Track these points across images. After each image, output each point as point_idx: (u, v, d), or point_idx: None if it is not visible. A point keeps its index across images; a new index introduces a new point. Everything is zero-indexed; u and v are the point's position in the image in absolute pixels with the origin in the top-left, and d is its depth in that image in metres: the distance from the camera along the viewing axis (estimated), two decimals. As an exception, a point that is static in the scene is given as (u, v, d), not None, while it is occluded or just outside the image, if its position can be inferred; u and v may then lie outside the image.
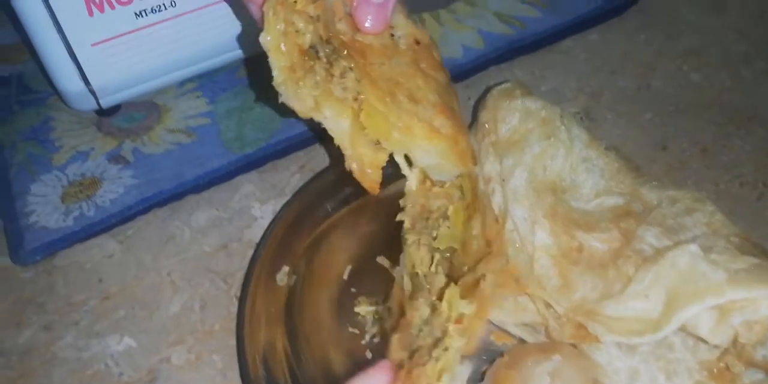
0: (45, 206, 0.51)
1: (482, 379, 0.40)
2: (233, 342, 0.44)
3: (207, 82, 0.60)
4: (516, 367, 0.37)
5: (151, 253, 0.50)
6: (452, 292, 0.33)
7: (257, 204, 0.53)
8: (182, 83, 0.60)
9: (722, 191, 0.52)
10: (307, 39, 0.36)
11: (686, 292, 0.35)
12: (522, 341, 0.42)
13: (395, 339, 0.35)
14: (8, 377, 0.43)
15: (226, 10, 0.52)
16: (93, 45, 0.49)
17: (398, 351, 0.34)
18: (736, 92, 0.60)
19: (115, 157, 0.54)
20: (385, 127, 0.34)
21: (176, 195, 0.52)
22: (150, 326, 0.46)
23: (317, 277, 0.46)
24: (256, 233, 0.50)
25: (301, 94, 0.36)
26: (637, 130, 0.57)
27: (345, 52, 0.35)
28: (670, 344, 0.37)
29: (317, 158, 0.56)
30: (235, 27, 0.54)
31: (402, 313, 0.35)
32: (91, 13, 0.48)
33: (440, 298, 0.33)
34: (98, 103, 0.53)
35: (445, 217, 0.37)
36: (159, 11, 0.50)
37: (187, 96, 0.59)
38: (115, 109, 0.58)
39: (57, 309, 0.47)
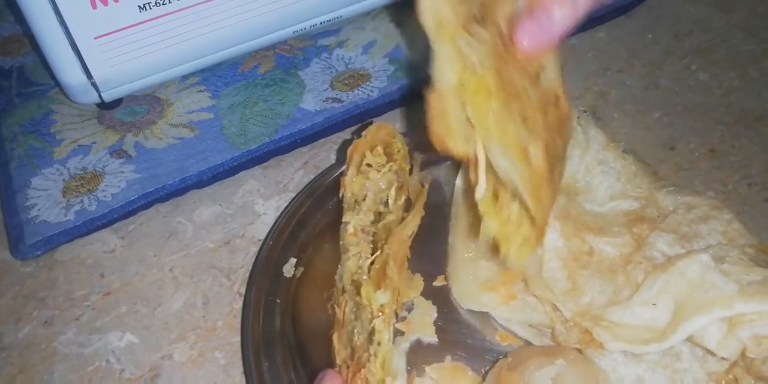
0: (46, 200, 0.51)
1: (484, 380, 0.40)
2: (236, 339, 0.44)
3: (210, 76, 0.60)
4: (518, 369, 0.37)
5: (153, 248, 0.49)
6: (366, 287, 0.34)
7: (261, 200, 0.52)
8: (185, 77, 0.59)
9: (730, 192, 0.51)
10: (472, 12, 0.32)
11: (695, 303, 0.35)
12: (527, 343, 0.41)
13: (335, 337, 0.37)
14: (9, 373, 0.43)
15: (231, 3, 0.52)
16: (96, 38, 0.49)
17: (341, 349, 0.36)
18: (744, 92, 0.60)
19: (117, 151, 0.54)
20: (485, 107, 0.31)
21: (179, 190, 0.52)
22: (152, 322, 0.45)
23: (323, 269, 0.45)
24: (260, 229, 0.50)
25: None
26: (645, 130, 0.57)
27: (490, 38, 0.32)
28: (678, 353, 0.37)
29: (321, 154, 0.55)
30: (239, 21, 0.53)
31: (335, 312, 0.37)
32: (94, 6, 0.47)
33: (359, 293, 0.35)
34: (100, 97, 0.53)
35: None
36: (163, 5, 0.49)
37: (189, 90, 0.59)
38: (117, 103, 0.57)
39: (58, 304, 0.46)
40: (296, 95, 0.58)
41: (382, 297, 0.35)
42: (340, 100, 0.57)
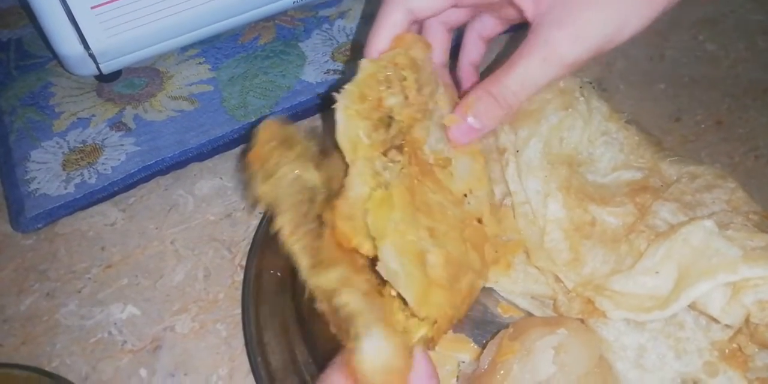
0: (46, 173, 0.50)
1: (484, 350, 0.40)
2: (238, 311, 0.44)
3: (209, 48, 0.59)
4: (520, 338, 0.37)
5: (154, 221, 0.49)
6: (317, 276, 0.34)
7: (261, 173, 0.52)
8: (184, 49, 0.59)
9: (737, 164, 0.51)
10: (390, 108, 0.37)
11: (698, 269, 0.34)
12: (529, 315, 0.41)
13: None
14: (12, 343, 0.43)
15: (230, -28, 0.51)
16: (93, 8, 0.48)
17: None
18: (752, 63, 0.59)
19: (117, 124, 0.53)
20: (385, 217, 0.34)
21: (179, 163, 0.51)
22: (154, 295, 0.45)
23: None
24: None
25: (352, 125, 0.36)
26: (650, 101, 0.56)
27: (405, 150, 0.37)
28: (681, 322, 0.36)
29: (322, 127, 0.55)
30: (238, -10, 0.52)
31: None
32: (90, -26, 0.46)
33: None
34: (98, 68, 0.52)
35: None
36: (160, -27, 0.49)
37: (189, 62, 0.58)
38: (115, 75, 0.56)
39: (59, 277, 0.46)
40: (297, 67, 0.57)
41: (334, 274, 0.35)
42: (341, 72, 0.56)
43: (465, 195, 0.39)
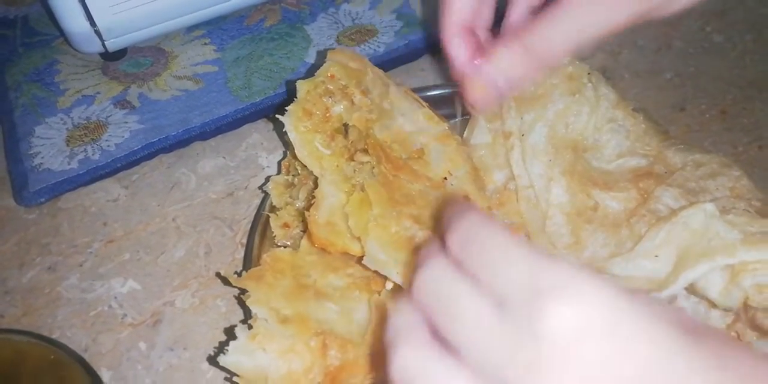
0: (50, 148, 0.50)
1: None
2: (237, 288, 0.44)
3: (215, 29, 0.59)
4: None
5: (157, 198, 0.49)
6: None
7: (264, 153, 0.52)
8: (190, 30, 0.59)
9: (740, 154, 0.51)
10: (339, 115, 0.40)
11: (697, 251, 0.35)
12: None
13: None
14: (13, 315, 0.43)
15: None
16: (100, -17, 0.48)
17: None
18: (758, 55, 0.58)
19: (121, 102, 0.54)
20: (365, 217, 0.36)
21: (182, 141, 0.51)
22: (154, 270, 0.45)
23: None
24: (262, 182, 0.50)
25: (307, 140, 0.38)
26: (655, 90, 0.56)
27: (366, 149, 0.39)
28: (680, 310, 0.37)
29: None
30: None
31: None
32: (98, -51, 0.46)
33: None
34: (104, 46, 0.52)
35: None
36: (168, -49, 0.49)
37: (194, 43, 0.58)
38: (121, 54, 0.56)
39: (61, 250, 0.46)
40: (302, 50, 0.57)
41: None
42: (346, 55, 0.56)
43: (445, 178, 0.40)
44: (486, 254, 0.23)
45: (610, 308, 0.20)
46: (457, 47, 0.35)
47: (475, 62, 0.34)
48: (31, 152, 0.50)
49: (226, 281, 0.45)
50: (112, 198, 0.49)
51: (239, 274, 0.38)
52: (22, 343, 0.34)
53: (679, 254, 0.35)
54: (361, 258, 0.36)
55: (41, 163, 0.50)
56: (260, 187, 0.49)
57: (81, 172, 0.49)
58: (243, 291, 0.38)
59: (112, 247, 0.47)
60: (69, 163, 0.49)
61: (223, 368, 0.34)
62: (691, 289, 0.35)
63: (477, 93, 0.34)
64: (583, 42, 0.31)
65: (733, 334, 0.36)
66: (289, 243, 0.42)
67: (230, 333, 0.39)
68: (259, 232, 0.44)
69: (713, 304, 0.36)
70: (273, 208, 0.43)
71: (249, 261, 0.43)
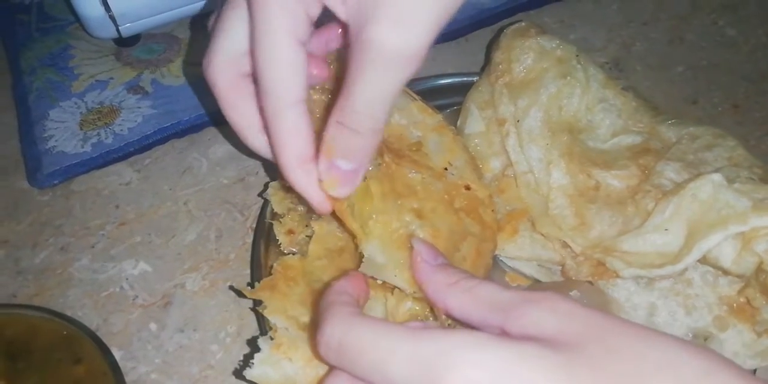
0: (63, 132, 0.51)
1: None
2: (248, 271, 0.44)
3: (229, 16, 0.59)
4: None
5: (169, 182, 0.49)
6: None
7: (276, 140, 0.52)
8: (203, 17, 0.59)
9: (753, 147, 0.51)
10: None
11: (708, 221, 0.35)
12: (537, 282, 0.42)
13: None
14: (25, 294, 0.44)
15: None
16: (115, -32, 0.48)
17: None
18: (771, 49, 0.58)
19: (134, 87, 0.54)
20: (368, 211, 0.35)
21: (195, 126, 0.52)
22: (166, 253, 0.46)
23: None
24: (274, 168, 0.50)
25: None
26: (667, 83, 0.56)
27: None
28: (689, 280, 0.37)
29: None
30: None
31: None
32: (114, -66, 0.47)
33: None
34: (118, 31, 0.52)
35: None
36: (183, -63, 0.49)
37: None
38: (134, 40, 0.57)
39: (73, 232, 0.47)
40: (315, 38, 0.57)
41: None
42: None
43: (445, 168, 0.40)
44: (364, 358, 0.25)
45: (499, 362, 0.23)
46: (303, 177, 0.33)
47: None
48: (45, 135, 0.51)
49: (236, 264, 0.45)
50: (125, 181, 0.50)
51: (252, 286, 0.37)
52: (35, 319, 0.34)
53: (690, 226, 0.35)
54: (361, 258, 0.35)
55: (55, 146, 0.50)
56: (260, 195, 0.49)
57: (94, 156, 0.49)
58: (257, 302, 0.37)
59: (124, 229, 0.47)
60: (82, 147, 0.50)
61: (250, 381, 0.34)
62: (703, 259, 0.35)
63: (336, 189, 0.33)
64: (395, 94, 0.29)
65: (742, 299, 0.36)
66: (295, 249, 0.42)
67: (253, 345, 0.39)
68: (263, 240, 0.43)
69: (721, 273, 0.36)
70: (275, 215, 0.42)
71: (257, 271, 0.42)
